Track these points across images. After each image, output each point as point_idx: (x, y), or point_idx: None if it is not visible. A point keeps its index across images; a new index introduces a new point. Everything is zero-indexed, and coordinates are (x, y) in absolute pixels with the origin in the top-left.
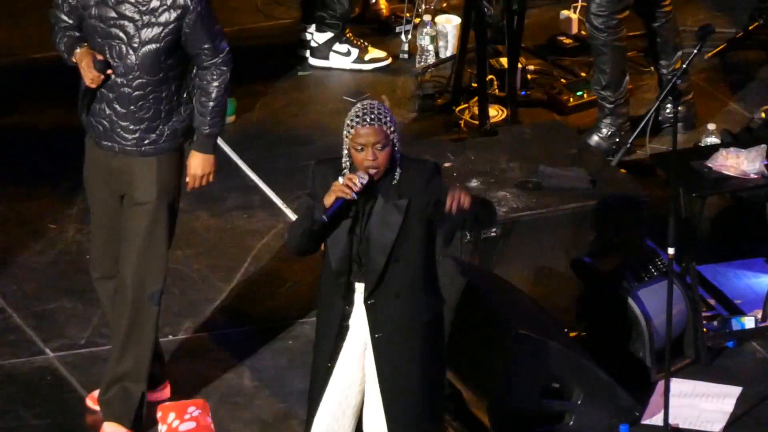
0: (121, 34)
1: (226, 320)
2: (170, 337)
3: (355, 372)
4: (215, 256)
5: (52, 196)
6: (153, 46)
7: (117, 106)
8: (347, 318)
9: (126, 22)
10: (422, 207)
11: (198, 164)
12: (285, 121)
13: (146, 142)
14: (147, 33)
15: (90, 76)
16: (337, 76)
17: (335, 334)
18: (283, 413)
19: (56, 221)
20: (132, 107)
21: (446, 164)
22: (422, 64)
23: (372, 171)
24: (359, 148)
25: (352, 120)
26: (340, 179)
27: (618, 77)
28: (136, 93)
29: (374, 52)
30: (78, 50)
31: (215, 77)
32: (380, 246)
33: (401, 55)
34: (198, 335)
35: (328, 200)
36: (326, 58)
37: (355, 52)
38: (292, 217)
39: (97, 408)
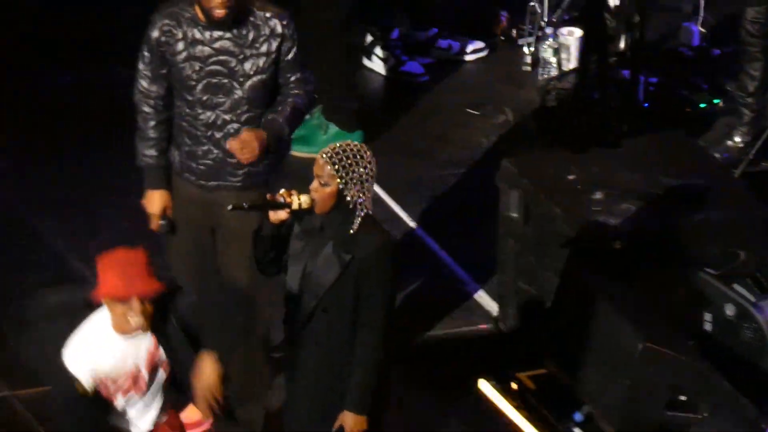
0: (224, 70)
1: None
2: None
3: None
4: None
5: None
6: (259, 77)
7: (220, 147)
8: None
9: (227, 57)
10: (362, 276)
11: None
12: (407, 132)
13: (254, 175)
14: (250, 65)
15: (153, 226)
16: (459, 88)
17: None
18: (410, 426)
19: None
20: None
21: (570, 176)
22: (545, 76)
23: (312, 198)
24: (315, 175)
25: (326, 150)
26: (282, 190)
27: (765, 86)
28: (245, 127)
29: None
30: (155, 192)
31: (300, 99)
32: (314, 289)
33: (524, 68)
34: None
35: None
36: (368, 58)
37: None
38: (415, 228)
39: None
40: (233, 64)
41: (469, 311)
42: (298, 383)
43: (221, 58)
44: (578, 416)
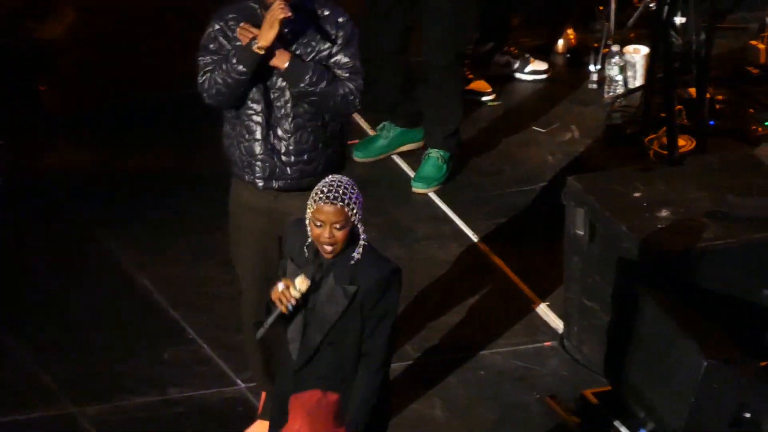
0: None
1: (416, 350)
2: None
3: None
4: (405, 287)
5: None
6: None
7: (278, 140)
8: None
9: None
10: (367, 307)
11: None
12: (473, 150)
13: (307, 174)
14: (304, 55)
15: (279, 5)
16: (526, 106)
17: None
18: None
19: None
20: (293, 138)
21: (636, 194)
22: (611, 94)
23: (328, 249)
24: (318, 224)
25: (316, 194)
26: (280, 285)
27: None
28: (296, 121)
29: (535, 64)
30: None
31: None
32: (319, 323)
33: (590, 85)
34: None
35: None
36: (487, 66)
37: (515, 63)
38: (480, 246)
39: None
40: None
41: (534, 328)
42: None
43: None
44: None
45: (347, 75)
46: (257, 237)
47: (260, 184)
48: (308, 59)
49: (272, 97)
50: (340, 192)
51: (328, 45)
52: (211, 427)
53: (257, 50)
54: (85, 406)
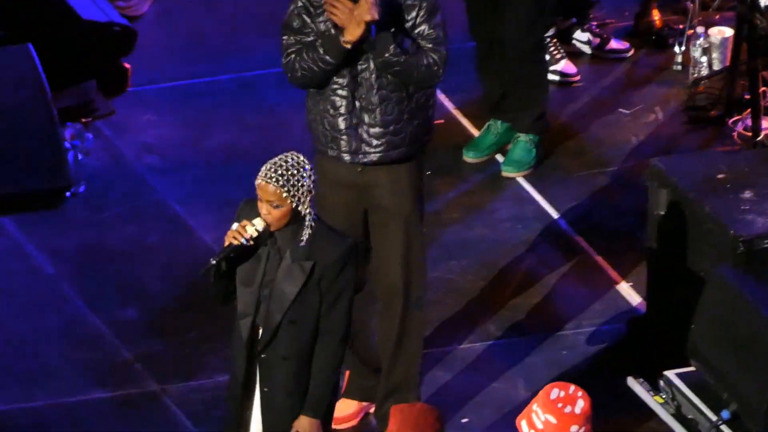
0: (364, 38)
1: (499, 330)
2: (445, 348)
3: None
4: (489, 267)
5: None
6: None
7: (363, 112)
8: (253, 362)
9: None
10: (325, 283)
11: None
12: (560, 132)
13: (394, 146)
14: (387, 26)
15: (367, 7)
16: (609, 87)
17: (242, 379)
18: None
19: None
20: (378, 109)
21: (719, 175)
22: (695, 75)
23: (268, 221)
24: (258, 198)
25: (262, 169)
26: (235, 225)
27: None
28: (381, 92)
29: (616, 43)
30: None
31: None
32: (278, 303)
33: (675, 67)
34: (472, 345)
35: (225, 244)
36: (567, 43)
37: (596, 41)
38: (564, 227)
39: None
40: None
41: (617, 308)
42: (266, 397)
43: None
44: (726, 414)
45: (430, 46)
46: (342, 211)
47: (346, 158)
48: (392, 30)
49: (357, 70)
50: (279, 173)
51: (411, 16)
52: None
53: (344, 44)
54: (167, 385)
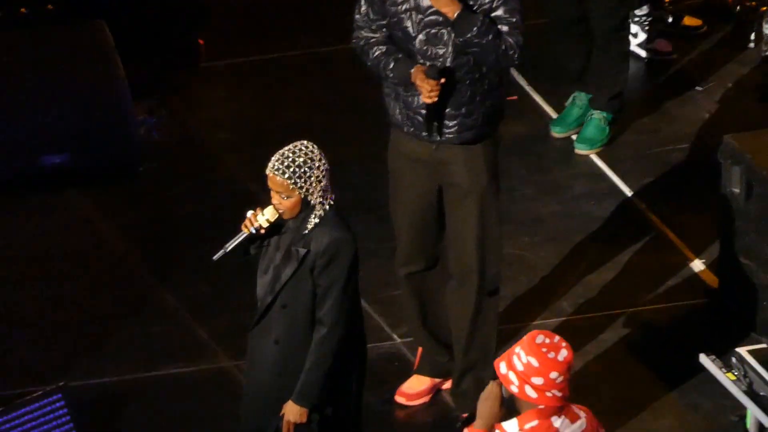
0: (442, 20)
1: (571, 306)
2: (517, 324)
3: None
4: (562, 243)
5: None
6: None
7: (442, 97)
8: None
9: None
10: (316, 272)
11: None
12: (633, 109)
13: (469, 127)
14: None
15: (428, 89)
16: (684, 64)
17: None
18: (629, 400)
19: None
20: (452, 90)
21: None
22: (767, 53)
23: (280, 211)
24: (269, 189)
25: (271, 160)
26: (249, 212)
27: None
28: (457, 73)
29: (689, 20)
30: (411, 71)
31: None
32: (272, 283)
33: (749, 45)
34: (545, 322)
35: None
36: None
37: (669, 18)
38: (637, 203)
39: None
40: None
41: (689, 286)
42: (255, 379)
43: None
44: None
45: (507, 29)
46: (417, 187)
47: (424, 136)
48: (475, 10)
49: (434, 52)
50: (287, 164)
51: (487, 3)
52: (370, 382)
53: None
54: (240, 361)
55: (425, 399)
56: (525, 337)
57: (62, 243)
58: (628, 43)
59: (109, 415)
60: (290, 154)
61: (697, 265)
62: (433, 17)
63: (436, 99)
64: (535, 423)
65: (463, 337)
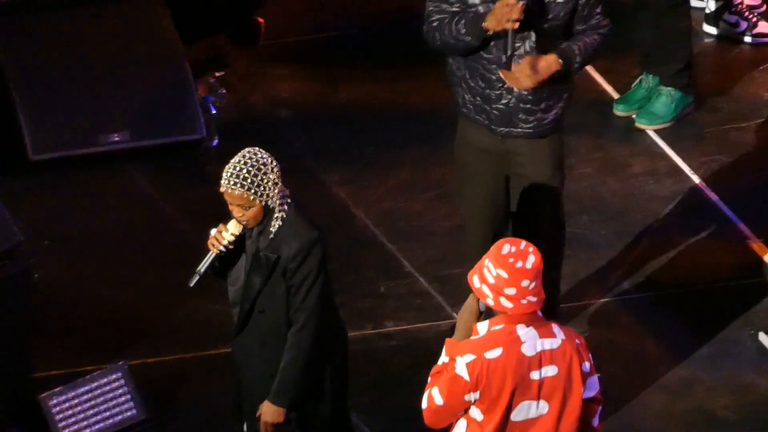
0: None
1: (631, 285)
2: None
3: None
4: (622, 222)
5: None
6: (554, 23)
7: (514, 90)
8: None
9: (525, 2)
10: (288, 275)
11: (549, 64)
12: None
13: (545, 122)
14: (546, 10)
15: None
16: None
17: (238, 367)
18: (687, 379)
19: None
20: (534, 88)
21: None
22: None
23: (244, 223)
24: (229, 202)
25: (223, 175)
26: (213, 231)
27: None
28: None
29: (761, 26)
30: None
31: (598, 37)
32: (247, 293)
33: None
34: (604, 300)
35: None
36: (716, 26)
37: (743, 24)
38: (697, 182)
39: None
40: (529, 6)
41: (749, 265)
42: (250, 385)
43: (519, 2)
44: None
45: (595, 22)
46: (485, 177)
47: (496, 130)
48: (547, 10)
49: (513, 51)
50: (242, 177)
51: None
52: (426, 360)
53: (486, 29)
54: None
55: None
56: (492, 248)
57: (123, 221)
58: (687, 18)
59: (167, 393)
60: (242, 166)
61: (757, 243)
62: None
63: (519, 17)
64: (500, 326)
65: None
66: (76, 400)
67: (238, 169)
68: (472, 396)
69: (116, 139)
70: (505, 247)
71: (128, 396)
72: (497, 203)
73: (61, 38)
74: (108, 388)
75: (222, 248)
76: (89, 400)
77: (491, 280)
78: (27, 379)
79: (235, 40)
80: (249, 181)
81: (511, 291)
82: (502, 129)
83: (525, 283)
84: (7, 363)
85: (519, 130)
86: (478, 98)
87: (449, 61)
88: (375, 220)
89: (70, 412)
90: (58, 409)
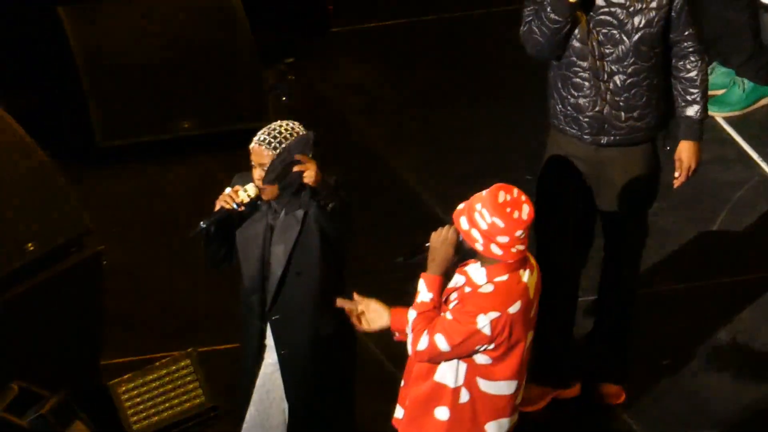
0: (613, 21)
1: (700, 272)
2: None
3: (274, 390)
4: (691, 208)
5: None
6: (647, 30)
7: (609, 96)
8: (264, 336)
9: (617, 9)
10: (324, 224)
11: (691, 153)
12: None
13: (636, 130)
14: (639, 18)
15: None
16: None
17: (254, 354)
18: (757, 366)
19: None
20: (626, 94)
21: None
22: None
23: (261, 186)
24: (252, 164)
25: (257, 135)
26: (227, 189)
27: None
28: (631, 80)
29: None
30: None
31: (695, 64)
32: (278, 258)
33: None
34: (675, 287)
35: (216, 208)
36: None
37: None
38: (766, 169)
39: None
40: (622, 16)
41: None
42: (287, 360)
43: (611, 9)
44: None
45: (693, 46)
46: (575, 187)
47: (588, 139)
48: (640, 18)
49: (604, 53)
50: (274, 134)
51: (664, 6)
52: None
53: (570, 1)
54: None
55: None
56: (486, 194)
57: (191, 208)
58: (747, 8)
59: (235, 380)
60: (276, 127)
61: None
62: (604, 17)
63: None
64: (505, 277)
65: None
66: (145, 388)
67: (272, 128)
68: (485, 347)
69: (185, 126)
70: (501, 194)
71: (197, 383)
72: (584, 210)
73: (131, 25)
74: (177, 375)
75: (235, 205)
76: (158, 387)
77: (484, 227)
78: (97, 367)
79: (306, 27)
80: (278, 141)
81: (503, 239)
82: (596, 138)
83: (519, 233)
84: (76, 350)
85: (612, 138)
86: (570, 109)
87: (550, 69)
88: (442, 204)
89: (138, 399)
90: (127, 396)
